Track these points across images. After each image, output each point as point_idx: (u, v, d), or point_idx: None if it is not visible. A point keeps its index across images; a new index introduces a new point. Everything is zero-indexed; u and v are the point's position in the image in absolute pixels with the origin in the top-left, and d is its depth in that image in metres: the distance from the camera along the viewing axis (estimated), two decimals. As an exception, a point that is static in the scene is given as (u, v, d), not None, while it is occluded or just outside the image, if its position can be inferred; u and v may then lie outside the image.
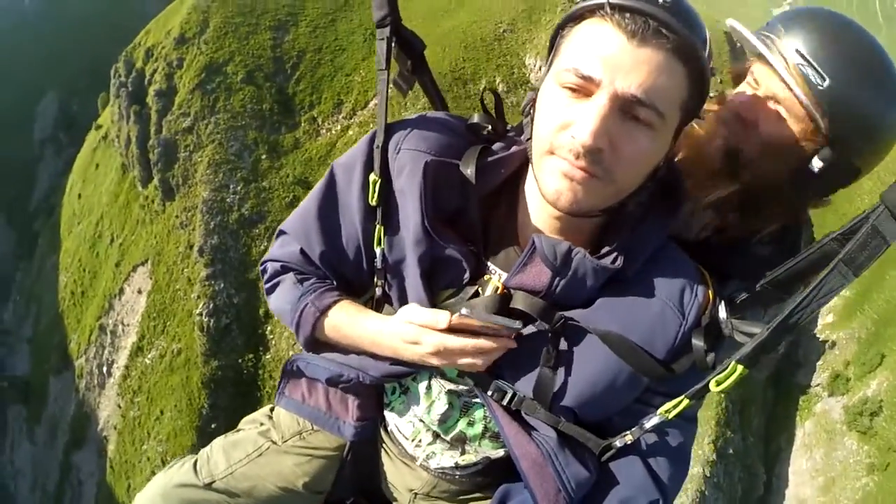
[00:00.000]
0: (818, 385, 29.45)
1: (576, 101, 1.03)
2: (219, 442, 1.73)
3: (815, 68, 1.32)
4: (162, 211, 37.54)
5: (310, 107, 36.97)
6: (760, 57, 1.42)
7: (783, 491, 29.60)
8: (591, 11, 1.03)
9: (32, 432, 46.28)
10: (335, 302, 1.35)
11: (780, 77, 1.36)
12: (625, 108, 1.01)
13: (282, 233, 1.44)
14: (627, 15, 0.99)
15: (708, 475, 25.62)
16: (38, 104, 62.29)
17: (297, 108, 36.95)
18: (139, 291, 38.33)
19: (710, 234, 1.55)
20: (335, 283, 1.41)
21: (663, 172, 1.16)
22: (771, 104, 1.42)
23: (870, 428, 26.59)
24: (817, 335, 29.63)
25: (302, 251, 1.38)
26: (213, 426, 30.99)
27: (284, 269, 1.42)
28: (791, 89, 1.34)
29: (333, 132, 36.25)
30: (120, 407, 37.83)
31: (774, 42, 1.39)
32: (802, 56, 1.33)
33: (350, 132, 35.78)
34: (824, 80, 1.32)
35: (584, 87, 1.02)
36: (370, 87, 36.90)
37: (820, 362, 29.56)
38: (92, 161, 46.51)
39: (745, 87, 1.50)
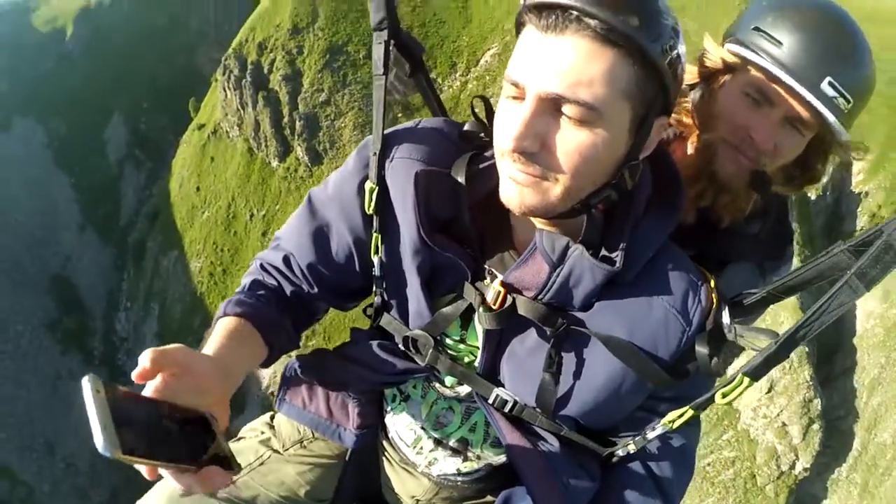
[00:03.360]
0: (862, 228, 35.34)
1: (513, 107, 1.01)
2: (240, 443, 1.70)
3: (846, 97, 1.34)
4: (309, 176, 42.02)
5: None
6: (783, 85, 1.35)
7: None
8: (521, 17, 1.01)
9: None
10: (224, 316, 1.24)
11: (816, 110, 1.34)
12: (554, 107, 0.97)
13: (276, 239, 1.40)
14: (543, 13, 0.95)
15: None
16: (105, 130, 65.41)
17: (418, 72, 42.46)
18: (293, 253, 42.58)
19: (695, 219, 1.54)
20: (318, 292, 1.35)
21: (642, 170, 1.12)
22: (792, 128, 1.42)
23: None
24: (853, 189, 35.85)
25: (285, 259, 1.34)
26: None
27: (263, 269, 1.37)
28: (825, 117, 1.34)
29: (454, 88, 41.61)
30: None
31: (803, 72, 1.33)
32: (835, 88, 1.33)
33: (469, 86, 41.24)
34: (850, 102, 1.35)
35: (519, 94, 1.00)
36: (477, 48, 42.45)
37: (859, 209, 35.68)
38: (204, 156, 50.40)
39: (745, 102, 1.44)
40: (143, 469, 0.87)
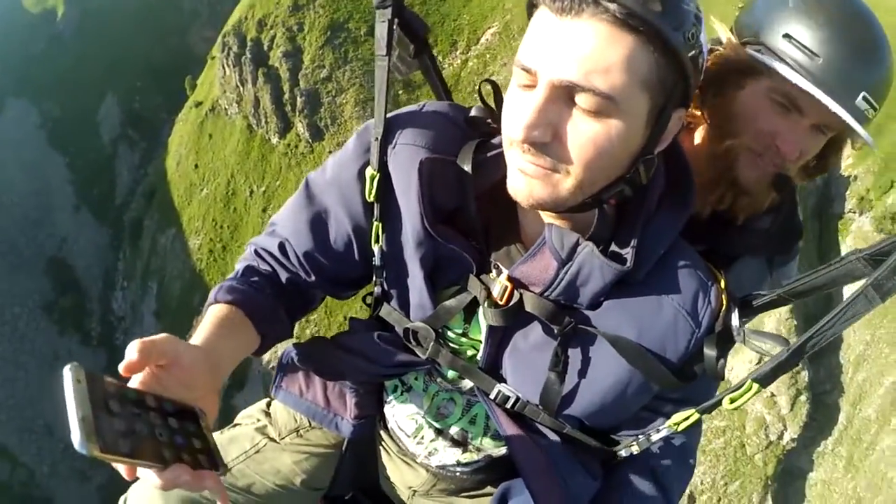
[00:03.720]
0: (850, 211, 36.36)
1: (524, 95, 0.95)
2: (216, 439, 1.61)
3: (875, 107, 1.34)
4: (310, 152, 42.28)
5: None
6: (811, 98, 1.29)
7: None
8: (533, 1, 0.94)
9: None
10: (215, 303, 1.19)
11: (846, 122, 1.29)
12: (568, 95, 0.91)
13: (272, 225, 1.34)
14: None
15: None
16: (99, 110, 65.04)
17: (418, 50, 42.92)
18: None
19: (707, 215, 1.51)
20: (316, 280, 1.29)
21: (657, 164, 1.07)
22: (819, 133, 1.40)
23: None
24: (842, 173, 36.73)
25: (280, 245, 1.28)
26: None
27: (257, 255, 1.32)
28: (853, 128, 1.31)
29: (455, 66, 42.03)
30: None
31: (841, 88, 1.29)
32: (869, 101, 1.32)
33: (470, 64, 41.70)
34: (877, 110, 1.35)
35: (531, 81, 0.94)
36: (477, 26, 42.91)
37: (847, 192, 36.55)
38: (202, 134, 50.44)
39: (771, 108, 1.39)
40: (121, 468, 0.81)
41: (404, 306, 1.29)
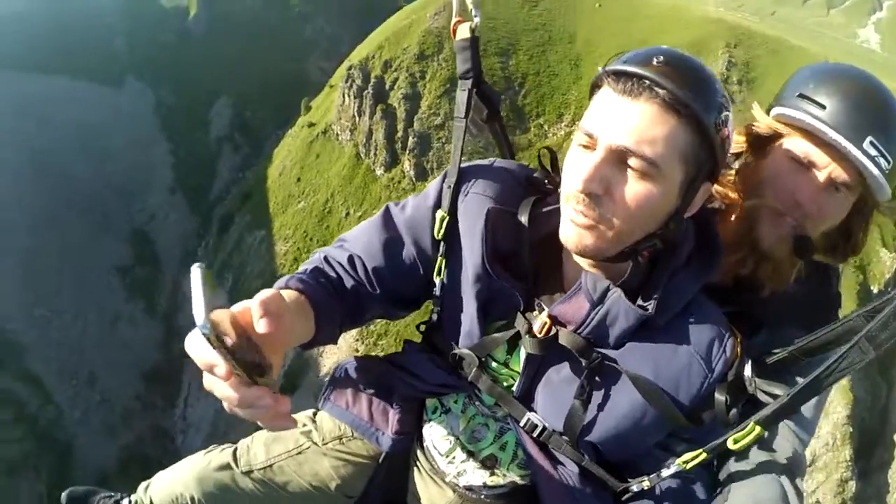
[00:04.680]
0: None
1: (584, 154, 1.17)
2: (260, 435, 1.82)
3: (886, 157, 1.39)
4: (412, 189, 45.56)
5: (536, 116, 46.22)
6: (824, 143, 1.42)
7: None
8: (599, 80, 1.20)
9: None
10: (286, 288, 1.31)
11: (859, 171, 1.39)
12: (620, 158, 1.14)
13: (341, 240, 1.52)
14: (622, 78, 1.14)
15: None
16: (212, 108, 69.99)
17: (527, 116, 46.15)
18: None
19: (734, 283, 1.58)
20: (378, 293, 1.44)
21: (685, 226, 1.27)
22: (836, 191, 1.46)
23: None
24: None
25: (350, 258, 1.45)
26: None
27: (326, 262, 1.47)
28: (866, 175, 1.39)
29: (559, 136, 45.23)
30: (357, 351, 44.42)
31: (845, 131, 1.39)
32: (876, 147, 1.39)
33: (571, 137, 44.80)
34: (890, 163, 1.40)
35: (591, 143, 1.16)
36: (583, 103, 45.87)
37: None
38: (310, 152, 54.38)
39: (790, 167, 1.49)
40: (220, 363, 0.88)
41: (454, 334, 1.47)
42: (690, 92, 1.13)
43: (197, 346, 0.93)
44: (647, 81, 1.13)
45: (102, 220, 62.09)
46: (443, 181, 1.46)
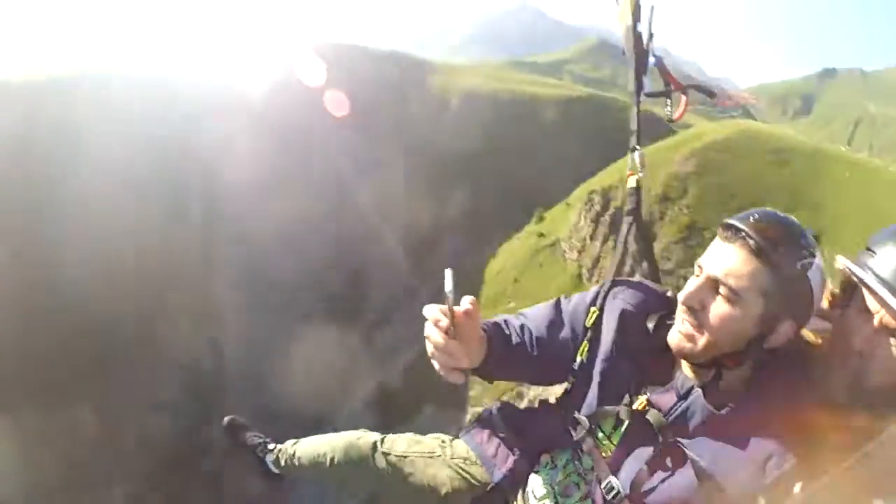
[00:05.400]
0: None
1: (694, 279, 1.61)
2: (408, 434, 2.42)
3: None
4: (627, 324, 46.40)
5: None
6: (872, 290, 1.51)
7: None
8: (718, 230, 1.60)
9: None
10: (493, 324, 1.91)
11: None
12: (714, 286, 1.54)
13: (520, 314, 1.99)
14: (728, 228, 1.56)
15: None
16: (452, 187, 76.20)
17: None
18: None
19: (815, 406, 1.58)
20: (535, 355, 1.90)
21: (761, 353, 1.58)
22: (891, 336, 1.52)
23: None
24: None
25: (522, 326, 1.93)
26: None
27: (505, 323, 1.96)
28: None
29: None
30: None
31: (887, 279, 1.49)
32: None
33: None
34: None
35: (699, 273, 1.59)
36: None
37: None
38: (533, 259, 57.57)
39: (852, 313, 1.60)
40: (444, 319, 1.60)
41: (579, 402, 1.85)
42: (773, 243, 1.49)
43: (433, 306, 1.63)
44: (742, 232, 1.51)
45: (324, 256, 67.32)
46: (601, 287, 1.93)
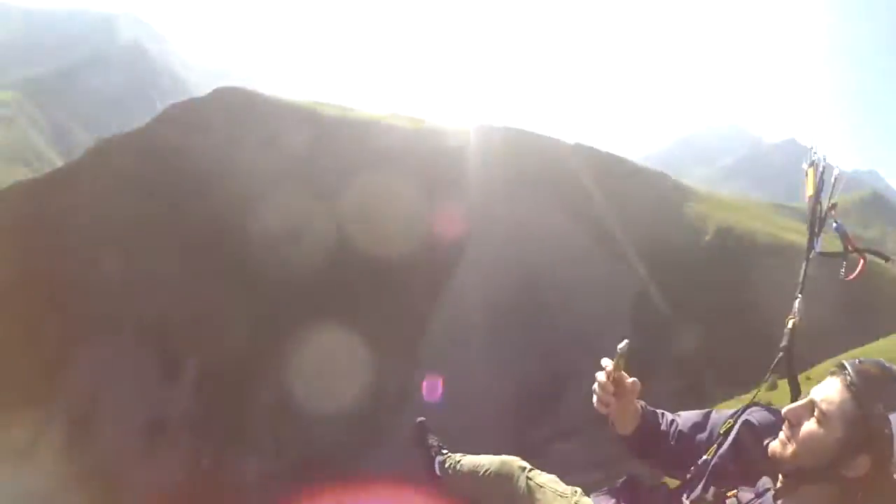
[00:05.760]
0: None
1: (800, 402, 1.83)
2: (552, 475, 2.74)
3: None
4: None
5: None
6: None
7: None
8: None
9: None
10: (653, 410, 2.37)
11: None
12: (812, 408, 1.76)
13: (677, 413, 2.32)
14: (838, 366, 1.77)
15: None
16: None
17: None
18: None
19: None
20: (672, 445, 2.26)
21: (839, 478, 1.75)
22: None
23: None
24: None
25: (672, 420, 2.32)
26: None
27: (662, 413, 2.36)
28: None
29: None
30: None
31: None
32: None
33: None
34: None
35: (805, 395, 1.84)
36: None
37: None
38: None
39: None
40: (610, 367, 2.19)
41: (691, 491, 2.12)
42: (865, 381, 1.72)
43: (606, 359, 2.20)
44: (846, 369, 1.76)
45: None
46: (745, 406, 2.22)
